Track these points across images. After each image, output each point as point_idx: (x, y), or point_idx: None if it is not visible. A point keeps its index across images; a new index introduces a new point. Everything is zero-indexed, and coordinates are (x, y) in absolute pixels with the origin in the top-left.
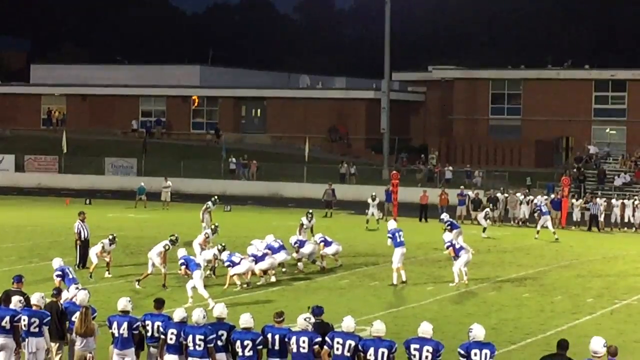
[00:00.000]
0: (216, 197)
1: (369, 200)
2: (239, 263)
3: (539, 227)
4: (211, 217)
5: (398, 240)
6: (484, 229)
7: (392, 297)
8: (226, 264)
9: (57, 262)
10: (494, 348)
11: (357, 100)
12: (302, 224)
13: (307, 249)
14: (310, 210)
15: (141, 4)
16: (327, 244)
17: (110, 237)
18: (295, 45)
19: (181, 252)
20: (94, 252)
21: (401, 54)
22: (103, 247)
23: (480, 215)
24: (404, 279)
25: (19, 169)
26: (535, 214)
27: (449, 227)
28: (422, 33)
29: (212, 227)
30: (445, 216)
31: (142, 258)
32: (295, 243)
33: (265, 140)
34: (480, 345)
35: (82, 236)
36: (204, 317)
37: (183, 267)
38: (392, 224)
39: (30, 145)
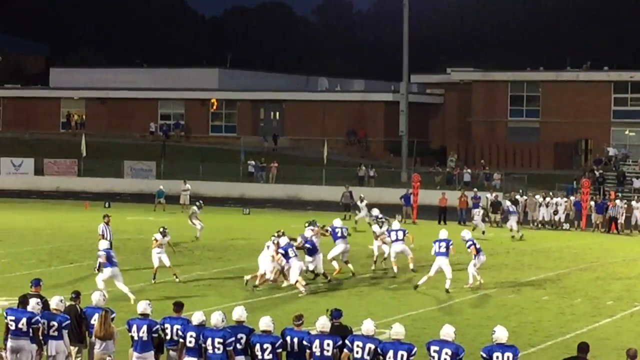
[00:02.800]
0: (201, 201)
1: (358, 202)
2: (291, 257)
3: (508, 226)
4: (199, 220)
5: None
6: (483, 232)
7: (412, 300)
8: (280, 251)
9: (103, 244)
10: (517, 350)
11: (376, 103)
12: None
13: (339, 248)
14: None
15: (160, 7)
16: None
17: (161, 229)
18: (313, 48)
19: (283, 240)
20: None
21: (419, 56)
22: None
23: (478, 217)
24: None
25: (38, 173)
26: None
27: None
28: (441, 35)
29: (161, 229)
30: (466, 234)
31: None
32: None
33: (284, 142)
34: (503, 347)
35: (106, 239)
36: (223, 321)
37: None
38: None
39: (49, 148)
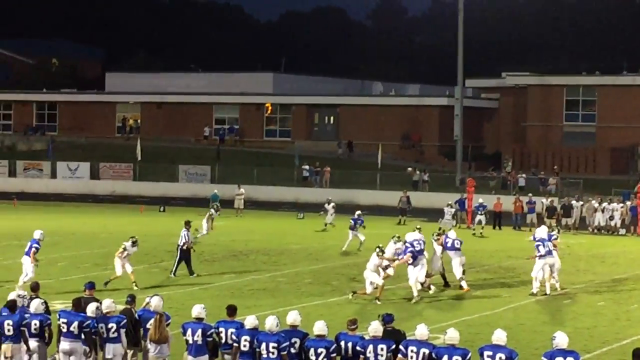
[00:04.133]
0: (218, 204)
1: (326, 205)
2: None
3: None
4: (213, 224)
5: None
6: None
7: (466, 305)
8: (408, 250)
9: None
10: (578, 356)
11: (430, 107)
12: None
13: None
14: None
15: (216, 12)
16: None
17: (133, 239)
18: (368, 52)
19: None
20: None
21: (474, 60)
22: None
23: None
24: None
25: (94, 177)
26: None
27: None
28: (495, 39)
29: (132, 239)
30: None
31: (216, 265)
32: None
33: (338, 147)
34: (564, 353)
35: (185, 245)
36: (277, 325)
37: None
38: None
39: (105, 152)
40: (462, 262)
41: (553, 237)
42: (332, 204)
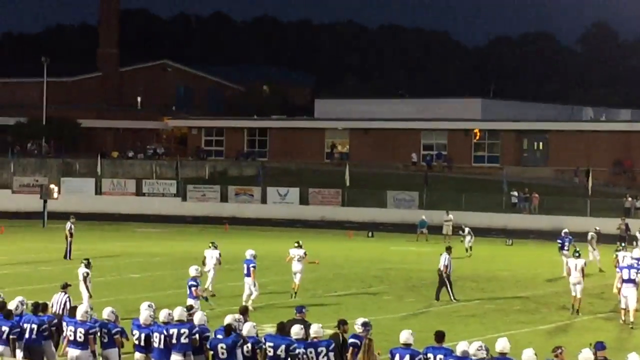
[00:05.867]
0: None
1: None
2: None
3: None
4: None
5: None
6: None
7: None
8: None
9: None
10: None
11: None
12: None
13: None
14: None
15: (423, 38)
16: None
17: (85, 261)
18: (577, 77)
19: None
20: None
21: None
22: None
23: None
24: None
25: (304, 202)
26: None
27: None
28: None
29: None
30: None
31: (423, 291)
32: None
33: (547, 173)
34: None
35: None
36: (481, 349)
37: None
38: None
39: (314, 178)
40: None
41: None
42: (467, 229)
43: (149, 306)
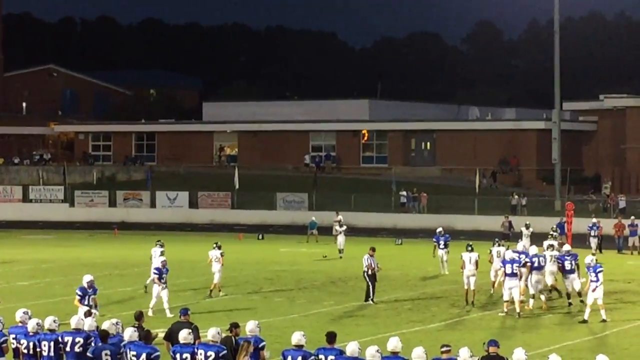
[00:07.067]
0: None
1: (523, 229)
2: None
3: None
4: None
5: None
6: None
7: (568, 330)
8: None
9: None
10: None
11: (528, 131)
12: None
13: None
14: None
15: (310, 40)
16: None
17: None
18: (463, 77)
19: None
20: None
21: (571, 83)
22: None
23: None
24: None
25: (193, 206)
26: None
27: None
28: (593, 61)
29: None
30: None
31: (314, 292)
32: None
33: (435, 172)
34: None
35: (370, 270)
36: (378, 352)
37: None
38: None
39: (203, 182)
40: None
41: None
42: (343, 227)
43: (24, 313)
